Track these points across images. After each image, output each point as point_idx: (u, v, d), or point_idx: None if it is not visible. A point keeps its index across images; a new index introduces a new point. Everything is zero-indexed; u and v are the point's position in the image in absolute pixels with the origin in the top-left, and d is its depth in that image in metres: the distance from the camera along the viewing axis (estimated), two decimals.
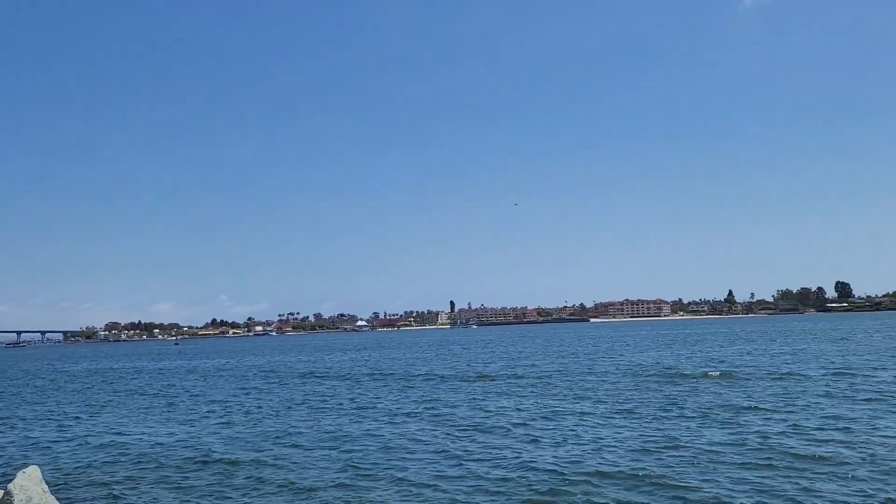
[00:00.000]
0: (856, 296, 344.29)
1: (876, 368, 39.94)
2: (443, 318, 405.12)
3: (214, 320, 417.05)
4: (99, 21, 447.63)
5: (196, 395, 41.65)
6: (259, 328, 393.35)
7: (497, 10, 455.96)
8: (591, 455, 19.24)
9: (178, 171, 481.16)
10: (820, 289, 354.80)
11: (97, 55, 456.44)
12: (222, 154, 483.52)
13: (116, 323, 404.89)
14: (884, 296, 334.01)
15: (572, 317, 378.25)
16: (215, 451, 21.90)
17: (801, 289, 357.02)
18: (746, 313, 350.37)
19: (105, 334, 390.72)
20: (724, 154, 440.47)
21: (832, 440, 19.94)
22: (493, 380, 42.52)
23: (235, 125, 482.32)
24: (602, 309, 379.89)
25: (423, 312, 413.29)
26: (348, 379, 48.75)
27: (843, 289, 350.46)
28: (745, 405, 26.89)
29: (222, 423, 28.63)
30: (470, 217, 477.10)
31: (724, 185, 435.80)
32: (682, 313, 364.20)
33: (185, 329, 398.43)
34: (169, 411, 33.85)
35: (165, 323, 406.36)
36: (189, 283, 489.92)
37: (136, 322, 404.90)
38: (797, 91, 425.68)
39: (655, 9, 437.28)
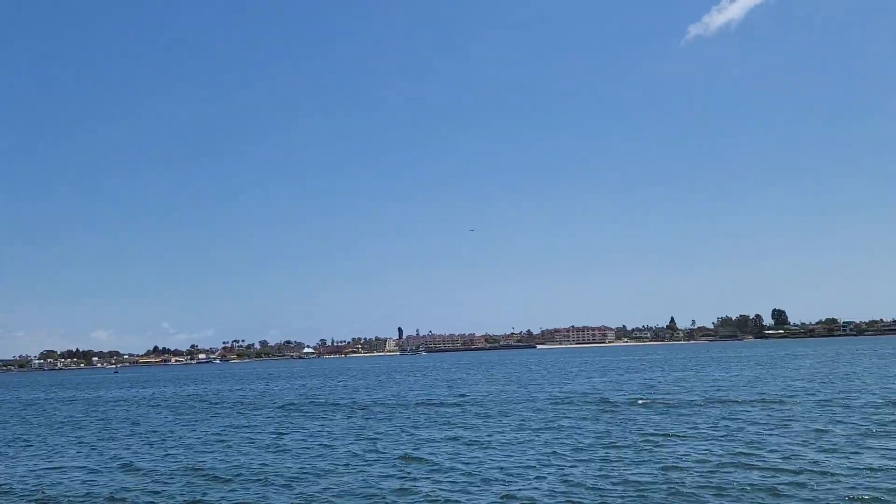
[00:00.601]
0: (791, 323, 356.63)
1: (796, 395, 41.59)
2: (391, 345, 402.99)
3: (156, 348, 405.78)
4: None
5: (111, 428, 40.76)
6: (202, 356, 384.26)
7: (427, 39, 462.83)
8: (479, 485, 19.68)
9: (116, 198, 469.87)
10: (758, 316, 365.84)
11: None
12: (164, 181, 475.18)
13: (52, 351, 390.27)
14: (817, 323, 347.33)
15: (519, 343, 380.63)
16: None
17: (740, 316, 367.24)
18: (688, 340, 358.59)
19: (40, 363, 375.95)
20: (664, 185, 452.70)
21: (729, 466, 20.86)
22: (422, 407, 42.75)
23: (177, 152, 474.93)
24: (548, 335, 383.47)
25: (370, 339, 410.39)
26: (280, 408, 48.20)
27: (779, 316, 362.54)
28: (665, 432, 27.79)
29: (122, 462, 27.85)
30: (417, 244, 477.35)
31: (666, 214, 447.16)
32: (626, 339, 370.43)
33: (126, 357, 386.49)
34: (79, 446, 33.07)
35: (105, 351, 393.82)
36: (130, 310, 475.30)
37: (74, 350, 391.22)
38: (741, 122, 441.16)
39: (590, 46, 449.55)
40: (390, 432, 31.19)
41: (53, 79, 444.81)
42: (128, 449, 30.38)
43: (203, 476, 22.73)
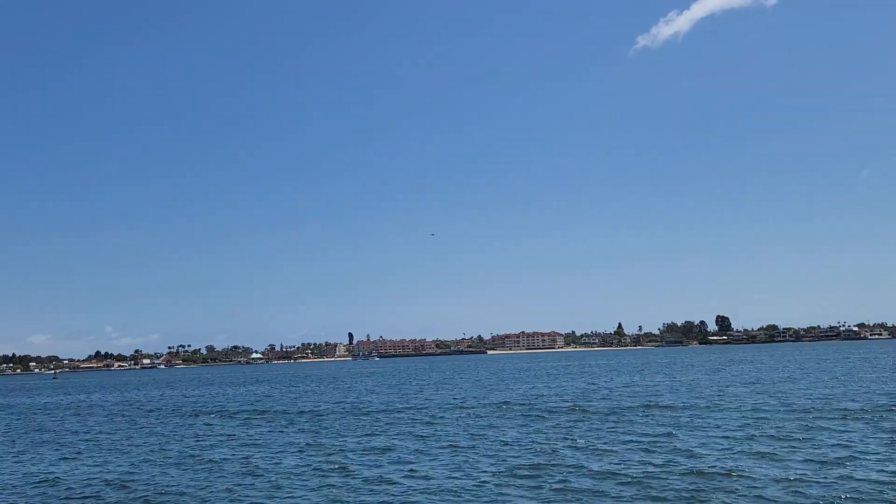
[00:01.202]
0: (734, 329, 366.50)
1: (727, 400, 42.60)
2: (341, 351, 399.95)
3: (98, 353, 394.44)
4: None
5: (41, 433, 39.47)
6: (147, 361, 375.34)
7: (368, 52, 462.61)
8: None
9: (56, 201, 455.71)
10: (702, 322, 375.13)
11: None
12: (111, 185, 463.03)
13: None
14: (759, 329, 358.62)
15: (470, 349, 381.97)
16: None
17: (685, 322, 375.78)
18: (635, 345, 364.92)
19: None
20: (611, 194, 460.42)
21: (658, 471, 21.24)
22: (362, 415, 42.52)
23: (130, 162, 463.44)
24: (499, 341, 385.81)
25: (320, 345, 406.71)
26: (219, 415, 47.35)
27: (722, 322, 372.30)
28: (595, 438, 28.17)
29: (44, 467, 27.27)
30: (368, 250, 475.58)
31: (614, 223, 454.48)
32: (574, 345, 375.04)
33: (66, 362, 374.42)
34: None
35: (43, 356, 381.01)
36: (70, 314, 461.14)
37: (10, 355, 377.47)
38: (683, 131, 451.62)
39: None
40: (322, 442, 30.90)
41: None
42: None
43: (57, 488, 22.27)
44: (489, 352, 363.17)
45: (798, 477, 19.58)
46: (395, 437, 31.18)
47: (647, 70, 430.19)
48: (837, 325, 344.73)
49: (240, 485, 21.89)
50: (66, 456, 30.43)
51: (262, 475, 23.15)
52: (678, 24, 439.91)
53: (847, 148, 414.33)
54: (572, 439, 28.01)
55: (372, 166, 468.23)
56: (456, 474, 21.99)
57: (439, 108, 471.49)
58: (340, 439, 31.17)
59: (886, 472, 19.94)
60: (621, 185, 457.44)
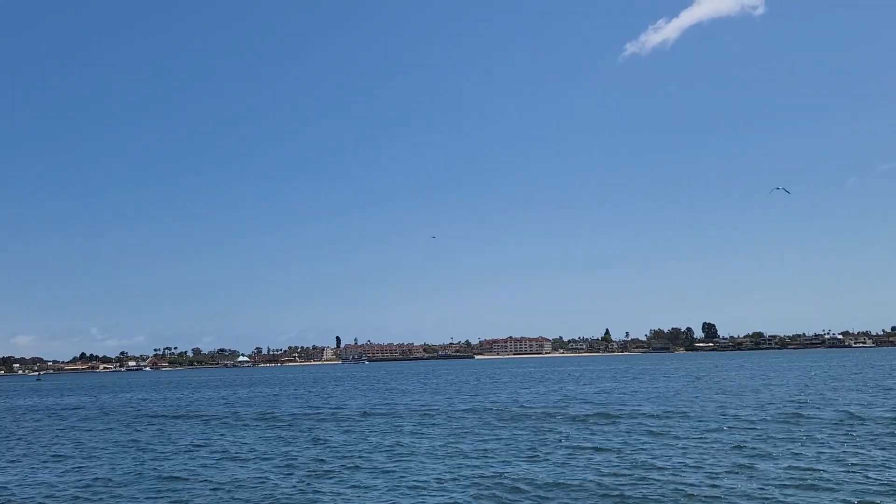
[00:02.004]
0: (720, 336, 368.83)
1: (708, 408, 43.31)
2: (328, 354, 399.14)
3: (83, 354, 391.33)
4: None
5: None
6: (132, 363, 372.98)
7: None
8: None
9: (41, 201, 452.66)
10: (689, 329, 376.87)
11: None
12: (98, 185, 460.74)
13: None
14: (745, 336, 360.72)
15: (458, 353, 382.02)
16: None
17: (672, 329, 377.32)
18: (622, 351, 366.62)
19: None
20: (600, 199, 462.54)
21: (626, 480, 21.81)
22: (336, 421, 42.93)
23: (101, 157, 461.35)
24: (486, 346, 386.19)
25: (307, 348, 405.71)
26: (201, 419, 47.59)
27: (709, 329, 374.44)
28: (578, 444, 28.74)
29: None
30: (357, 252, 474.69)
31: (602, 228, 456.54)
32: (562, 350, 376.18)
33: (50, 364, 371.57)
34: None
35: (27, 357, 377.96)
36: (55, 315, 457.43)
37: None
38: (671, 137, 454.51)
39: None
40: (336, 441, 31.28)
41: None
42: None
43: None
44: (477, 356, 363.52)
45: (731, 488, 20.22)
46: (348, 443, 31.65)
47: (635, 76, 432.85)
48: (822, 332, 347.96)
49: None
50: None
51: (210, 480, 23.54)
52: (667, 31, 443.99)
53: (834, 155, 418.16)
54: (526, 447, 28.54)
55: (363, 168, 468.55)
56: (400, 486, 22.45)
57: (435, 110, 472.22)
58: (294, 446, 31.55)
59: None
60: (610, 189, 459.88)
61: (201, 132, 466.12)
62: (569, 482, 21.25)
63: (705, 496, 19.04)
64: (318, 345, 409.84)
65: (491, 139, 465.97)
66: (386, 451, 28.79)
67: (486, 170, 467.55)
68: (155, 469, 26.44)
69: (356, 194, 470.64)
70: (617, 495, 19.50)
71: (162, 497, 21.48)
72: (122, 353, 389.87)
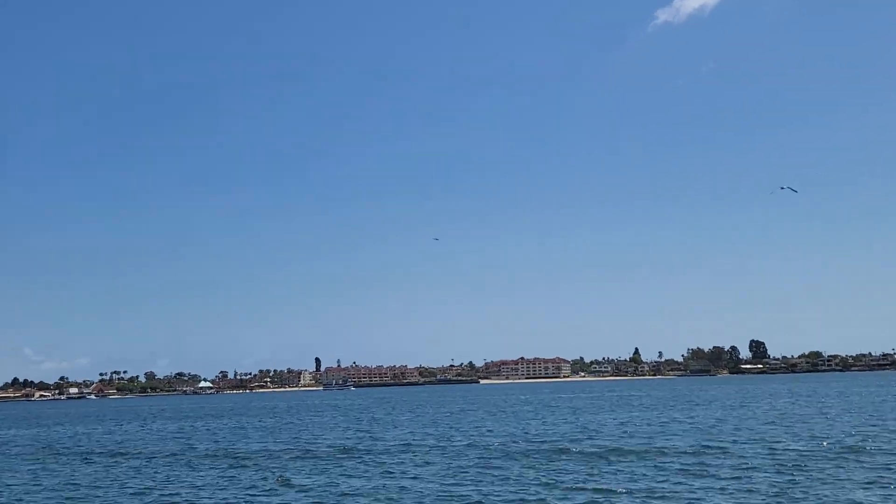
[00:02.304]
0: (771, 356, 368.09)
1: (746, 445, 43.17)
2: (306, 378, 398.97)
3: (16, 380, 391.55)
4: None
5: None
6: (74, 390, 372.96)
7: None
8: None
9: None
10: (733, 348, 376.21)
11: None
12: (29, 183, 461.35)
13: None
14: (799, 356, 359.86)
15: (460, 377, 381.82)
16: None
17: (714, 348, 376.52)
18: (654, 374, 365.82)
19: None
20: (630, 197, 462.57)
21: None
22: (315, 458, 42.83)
23: (49, 163, 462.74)
24: (494, 368, 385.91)
25: (282, 371, 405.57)
26: (148, 457, 47.51)
27: (757, 348, 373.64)
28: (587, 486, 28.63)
29: None
30: (339, 259, 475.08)
31: (632, 232, 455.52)
32: (583, 374, 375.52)
33: None
34: None
35: None
36: None
37: None
38: (703, 127, 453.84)
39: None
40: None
41: None
42: None
43: None
44: (482, 381, 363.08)
45: None
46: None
47: (665, 49, 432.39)
48: (892, 352, 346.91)
49: None
50: None
51: None
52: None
53: None
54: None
55: (347, 163, 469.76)
56: None
57: (432, 107, 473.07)
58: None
59: None
60: (643, 188, 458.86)
61: (146, 121, 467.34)
62: None
63: None
64: (295, 368, 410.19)
65: (488, 135, 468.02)
66: (368, 496, 28.69)
67: (487, 168, 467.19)
68: None
69: (338, 189, 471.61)
70: None
71: None
72: (61, 379, 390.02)
